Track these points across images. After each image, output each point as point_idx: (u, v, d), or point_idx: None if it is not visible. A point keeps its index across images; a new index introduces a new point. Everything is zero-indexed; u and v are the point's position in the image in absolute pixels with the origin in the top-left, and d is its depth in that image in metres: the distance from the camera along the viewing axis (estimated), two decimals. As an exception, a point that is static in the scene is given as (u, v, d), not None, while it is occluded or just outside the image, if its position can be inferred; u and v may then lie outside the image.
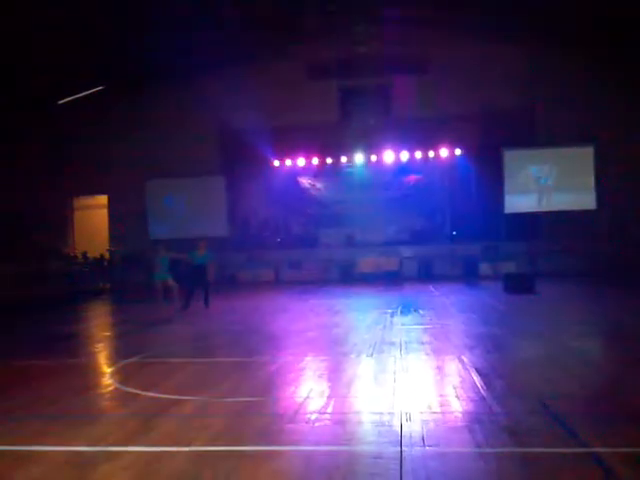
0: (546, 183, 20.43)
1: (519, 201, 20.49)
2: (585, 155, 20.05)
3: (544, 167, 20.45)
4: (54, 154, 21.25)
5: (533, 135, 20.39)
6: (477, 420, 4.64)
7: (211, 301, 12.97)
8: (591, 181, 19.99)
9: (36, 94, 18.86)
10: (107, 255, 21.51)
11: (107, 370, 7.37)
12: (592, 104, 18.90)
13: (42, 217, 20.94)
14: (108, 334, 11.18)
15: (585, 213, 19.78)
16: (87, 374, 7.24)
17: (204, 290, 12.91)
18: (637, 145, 18.86)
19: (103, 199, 23.09)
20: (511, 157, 20.66)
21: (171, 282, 12.51)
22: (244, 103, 18.93)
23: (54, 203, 22.04)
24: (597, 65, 18.96)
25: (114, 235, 22.37)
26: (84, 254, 21.12)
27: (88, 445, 4.39)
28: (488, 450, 4.01)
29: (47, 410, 5.46)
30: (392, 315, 11.11)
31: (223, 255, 21.10)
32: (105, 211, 23.07)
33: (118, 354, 8.49)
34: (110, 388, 6.29)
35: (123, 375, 6.83)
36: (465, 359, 6.88)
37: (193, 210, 21.80)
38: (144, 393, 5.86)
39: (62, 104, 20.75)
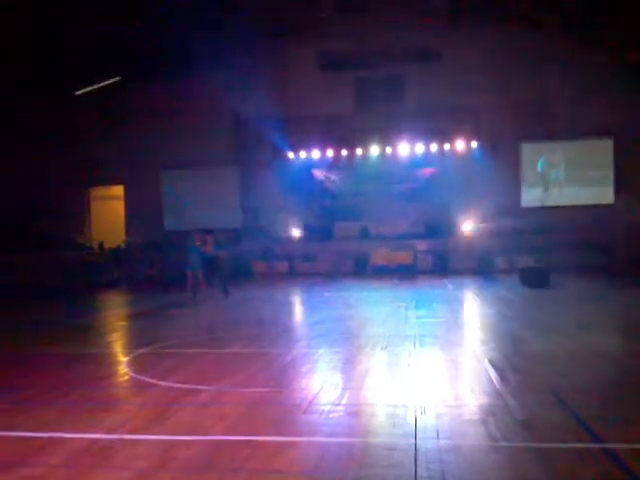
0: (564, 176, 20.21)
1: (536, 194, 20.29)
2: (604, 148, 19.79)
3: (562, 160, 20.22)
4: (71, 145, 21.42)
5: (551, 128, 20.13)
6: (492, 413, 4.63)
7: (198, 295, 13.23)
8: (609, 174, 19.74)
9: (53, 85, 19.01)
10: (123, 245, 21.68)
11: (123, 359, 7.44)
12: (611, 96, 18.61)
13: (59, 207, 21.17)
14: (124, 324, 11.29)
15: (603, 207, 19.54)
16: (103, 363, 7.32)
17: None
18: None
19: (119, 190, 23.26)
20: (529, 150, 20.47)
21: (195, 273, 12.78)
22: (259, 94, 18.92)
23: (71, 193, 22.26)
24: (616, 56, 18.63)
25: (130, 226, 22.55)
26: (100, 244, 21.31)
27: (105, 433, 4.45)
28: (502, 444, 4.00)
29: (65, 398, 5.53)
30: (406, 308, 11.09)
31: (238, 247, 21.24)
32: (121, 202, 23.24)
33: (134, 343, 8.57)
34: (126, 377, 6.36)
35: (139, 364, 6.90)
36: (480, 353, 6.86)
37: (207, 201, 21.92)
38: (160, 382, 5.92)
39: (79, 95, 20.89)
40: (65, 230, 21.15)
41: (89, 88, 20.84)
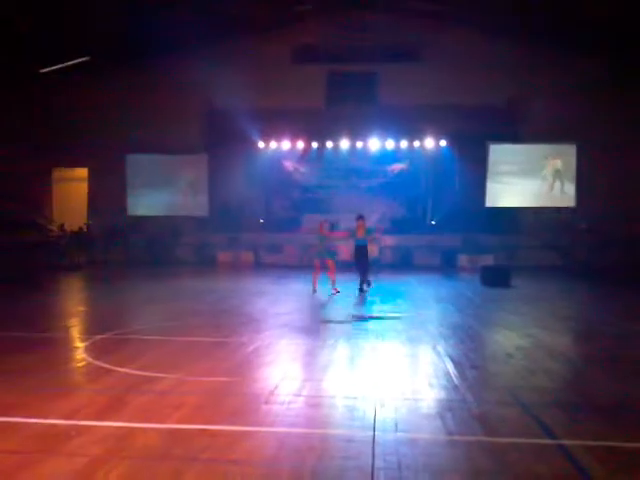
0: (528, 179, 20.57)
1: (501, 195, 20.65)
2: (567, 152, 20.26)
3: (527, 162, 20.60)
4: (35, 124, 20.83)
5: (518, 130, 20.49)
6: (449, 408, 4.72)
7: (368, 285, 12.53)
8: (572, 178, 20.23)
9: (18, 62, 18.42)
10: (85, 229, 21.23)
11: (81, 345, 7.30)
12: (578, 102, 19.02)
13: (19, 187, 20.55)
14: (83, 309, 11.09)
15: (565, 210, 20.07)
16: (61, 348, 7.19)
17: (361, 272, 12.48)
18: (617, 144, 19.10)
19: (83, 172, 22.72)
20: (495, 151, 20.77)
21: (331, 262, 12.48)
22: (230, 83, 18.71)
23: (32, 173, 21.60)
24: (585, 64, 19.02)
25: (93, 209, 22.09)
26: (61, 226, 20.82)
27: (61, 419, 4.38)
28: (458, 438, 4.09)
29: (20, 383, 5.41)
30: (370, 303, 11.17)
31: (203, 235, 21.15)
32: (85, 184, 22.71)
33: (93, 329, 8.42)
34: (83, 363, 6.26)
35: (97, 350, 6.79)
36: (440, 348, 6.98)
37: (174, 188, 21.67)
38: (118, 369, 5.85)
39: (45, 73, 20.30)
40: (25, 211, 20.56)
41: (56, 66, 20.24)
